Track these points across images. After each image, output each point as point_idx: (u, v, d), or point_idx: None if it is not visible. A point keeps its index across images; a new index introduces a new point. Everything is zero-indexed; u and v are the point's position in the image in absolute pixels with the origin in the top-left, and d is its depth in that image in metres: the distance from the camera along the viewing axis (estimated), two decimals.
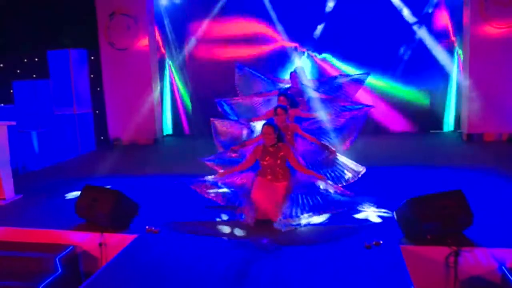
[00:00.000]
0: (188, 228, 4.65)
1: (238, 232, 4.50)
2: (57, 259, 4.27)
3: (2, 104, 10.24)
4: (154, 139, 10.08)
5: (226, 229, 4.61)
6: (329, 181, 4.81)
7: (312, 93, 6.42)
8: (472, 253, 3.83)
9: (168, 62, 10.68)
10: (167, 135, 10.81)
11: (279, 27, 9.77)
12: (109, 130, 10.19)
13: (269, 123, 4.72)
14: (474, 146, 8.40)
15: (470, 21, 8.65)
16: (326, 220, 4.67)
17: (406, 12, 9.35)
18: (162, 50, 10.56)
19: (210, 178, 4.90)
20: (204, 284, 3.53)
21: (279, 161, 4.72)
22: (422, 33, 9.34)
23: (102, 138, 10.35)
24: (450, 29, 9.45)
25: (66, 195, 6.07)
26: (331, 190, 4.59)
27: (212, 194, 4.81)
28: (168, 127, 10.89)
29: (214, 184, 4.80)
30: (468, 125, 8.90)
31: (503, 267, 3.72)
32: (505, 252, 3.79)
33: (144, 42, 9.85)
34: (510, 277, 3.58)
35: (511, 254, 3.77)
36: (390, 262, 3.73)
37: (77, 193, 5.79)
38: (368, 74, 6.57)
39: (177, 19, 10.38)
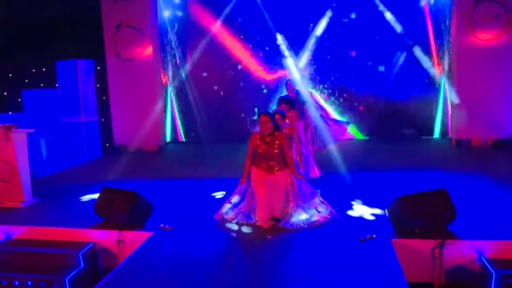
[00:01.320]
0: (198, 225, 5.10)
1: (245, 229, 4.94)
2: (80, 255, 4.68)
3: (10, 113, 10.65)
4: (158, 146, 10.51)
5: (233, 227, 5.02)
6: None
7: (307, 97, 7.02)
8: (455, 245, 4.29)
9: (169, 71, 11.17)
10: (170, 142, 11.24)
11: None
12: (114, 137, 10.61)
13: (265, 112, 5.00)
14: (462, 151, 8.92)
15: (457, 33, 9.19)
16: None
17: (395, 24, 9.91)
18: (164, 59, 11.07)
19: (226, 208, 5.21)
20: (214, 277, 3.90)
21: (275, 150, 4.92)
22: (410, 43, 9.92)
23: (107, 145, 10.76)
24: (432, 39, 9.99)
25: (81, 198, 6.48)
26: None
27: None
28: (170, 134, 11.34)
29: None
30: (457, 132, 9.42)
31: (483, 257, 4.17)
32: (484, 244, 4.25)
33: (148, 52, 10.32)
34: (489, 266, 4.03)
35: (490, 246, 4.23)
36: (382, 254, 4.17)
37: (90, 196, 6.34)
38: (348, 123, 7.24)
39: (179, 30, 10.89)
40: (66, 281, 4.45)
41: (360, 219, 5.12)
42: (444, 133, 10.19)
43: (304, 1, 10.17)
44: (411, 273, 4.16)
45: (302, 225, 4.82)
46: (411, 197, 4.56)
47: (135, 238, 4.87)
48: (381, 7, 9.84)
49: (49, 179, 8.31)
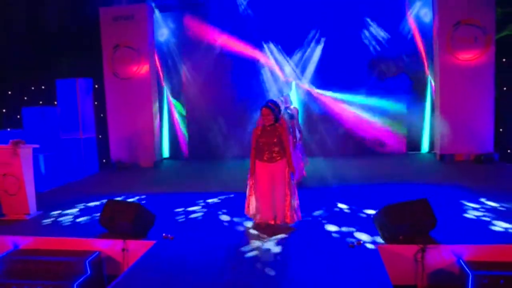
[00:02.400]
0: (198, 234, 5.43)
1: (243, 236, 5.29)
2: (87, 262, 4.97)
3: (9, 129, 10.92)
4: (154, 162, 10.83)
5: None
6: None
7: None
8: (436, 250, 4.67)
9: (166, 89, 11.57)
10: (165, 158, 11.57)
11: (270, 56, 10.82)
12: (111, 153, 10.90)
13: (266, 105, 5.44)
14: (445, 165, 9.37)
15: (439, 53, 9.73)
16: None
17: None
18: (161, 78, 11.46)
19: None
20: (214, 283, 4.20)
21: (275, 139, 5.36)
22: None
23: (104, 161, 11.06)
24: (424, 58, 10.56)
25: (82, 209, 6.78)
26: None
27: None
28: (166, 150, 11.68)
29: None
30: (441, 147, 9.88)
31: (461, 260, 4.55)
32: (462, 248, 4.64)
33: (145, 72, 10.72)
34: (466, 268, 4.40)
35: (467, 249, 4.62)
36: (369, 259, 4.53)
37: (92, 206, 6.62)
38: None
39: (174, 49, 11.34)
40: (75, 287, 4.73)
41: (349, 226, 5.49)
42: (430, 148, 10.66)
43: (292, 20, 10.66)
44: (396, 276, 4.50)
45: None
46: (395, 206, 4.95)
47: (139, 247, 5.17)
48: (373, 29, 10.41)
49: (48, 193, 8.55)
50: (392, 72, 10.55)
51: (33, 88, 11.29)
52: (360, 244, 4.84)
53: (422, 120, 10.71)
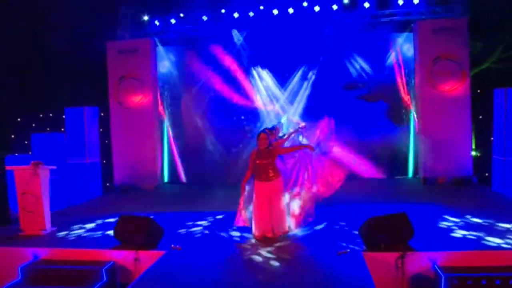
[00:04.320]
0: (202, 246, 6.03)
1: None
2: (103, 270, 5.54)
3: (16, 154, 11.51)
4: (156, 185, 11.43)
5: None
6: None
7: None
8: (414, 256, 5.33)
9: (166, 118, 12.31)
10: (165, 183, 12.17)
11: (259, 93, 11.65)
12: (115, 177, 11.50)
13: (263, 131, 6.26)
14: (428, 187, 10.10)
15: (420, 85, 10.61)
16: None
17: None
18: (161, 107, 12.19)
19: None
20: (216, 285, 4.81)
21: (270, 159, 6.06)
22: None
23: (108, 184, 11.64)
24: (404, 89, 11.45)
25: (92, 226, 7.37)
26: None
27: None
28: (166, 175, 12.30)
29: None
30: (424, 171, 10.63)
31: (435, 265, 5.20)
32: (437, 255, 5.30)
33: (148, 101, 11.46)
34: (440, 271, 5.05)
35: (440, 256, 5.28)
36: (355, 265, 5.16)
37: (100, 221, 7.22)
38: None
39: (174, 81, 12.17)
40: None
41: (337, 237, 6.14)
42: (414, 172, 11.40)
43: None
44: (378, 280, 5.11)
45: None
46: (378, 219, 5.63)
47: (150, 257, 5.75)
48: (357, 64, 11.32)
49: (58, 213, 9.06)
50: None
51: (41, 115, 11.95)
52: (347, 252, 5.48)
53: (407, 146, 11.49)
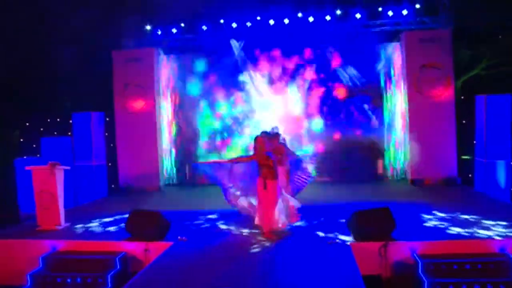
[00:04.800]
0: (205, 237, 6.66)
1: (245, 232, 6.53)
2: (117, 259, 6.14)
3: (25, 156, 12.12)
4: (158, 186, 12.04)
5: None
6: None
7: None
8: (395, 246, 5.96)
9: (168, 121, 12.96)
10: (168, 184, 12.78)
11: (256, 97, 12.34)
12: (119, 179, 12.11)
13: (261, 135, 6.77)
14: (415, 188, 10.76)
15: (408, 91, 11.30)
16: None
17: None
18: (163, 112, 12.83)
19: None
20: (220, 274, 5.33)
21: (266, 162, 6.48)
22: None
23: (113, 186, 12.24)
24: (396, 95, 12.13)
25: (102, 222, 7.98)
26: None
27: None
28: (170, 176, 12.92)
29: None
30: (412, 173, 11.29)
31: (414, 253, 5.84)
32: (416, 244, 5.94)
33: (151, 106, 12.11)
34: (418, 259, 5.68)
35: (419, 245, 5.92)
36: (343, 253, 5.78)
37: (108, 219, 7.85)
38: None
39: (176, 87, 12.85)
40: (108, 278, 5.90)
41: (328, 229, 6.81)
42: (404, 174, 12.05)
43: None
44: (364, 267, 5.72)
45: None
46: (363, 212, 6.27)
47: (158, 247, 6.35)
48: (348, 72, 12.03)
49: (68, 211, 9.64)
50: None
51: (49, 120, 12.56)
52: (336, 242, 6.12)
53: (396, 149, 12.17)
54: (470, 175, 10.98)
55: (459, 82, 14.08)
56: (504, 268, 5.48)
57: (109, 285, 5.85)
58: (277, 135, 7.78)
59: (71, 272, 6.04)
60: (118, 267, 6.12)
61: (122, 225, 7.06)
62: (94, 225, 7.87)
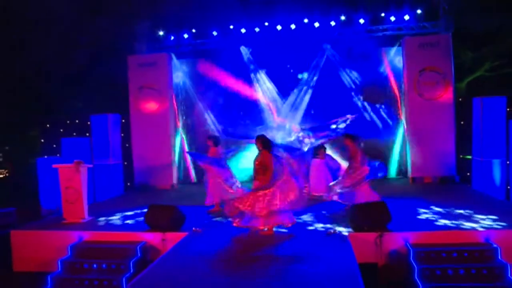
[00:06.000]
0: (217, 230, 7.30)
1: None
2: (138, 247, 6.81)
3: (46, 156, 12.85)
4: (171, 184, 12.72)
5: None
6: None
7: None
8: (390, 236, 6.55)
9: (180, 123, 13.64)
10: (182, 182, 13.45)
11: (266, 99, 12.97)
12: (135, 177, 12.82)
13: (255, 137, 7.12)
14: (415, 186, 11.32)
15: (408, 93, 11.86)
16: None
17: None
18: (175, 114, 13.51)
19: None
20: (228, 260, 5.97)
21: (257, 162, 6.99)
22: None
23: (128, 184, 12.95)
24: (398, 97, 12.71)
25: (122, 216, 8.66)
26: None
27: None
28: (182, 175, 13.60)
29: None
30: (412, 171, 11.84)
31: (407, 243, 6.42)
32: (408, 234, 6.53)
33: (164, 109, 12.79)
34: (410, 248, 6.27)
35: (411, 235, 6.50)
36: (342, 243, 6.37)
37: (127, 213, 8.53)
38: None
39: (187, 90, 13.52)
40: (131, 264, 6.56)
41: (327, 221, 7.42)
42: (403, 173, 12.59)
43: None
44: (361, 256, 6.32)
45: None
46: (362, 206, 6.87)
47: (174, 238, 7.00)
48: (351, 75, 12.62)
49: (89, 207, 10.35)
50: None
51: (68, 122, 13.29)
52: (336, 232, 6.73)
53: (397, 148, 12.72)
54: (468, 174, 11.48)
55: (463, 83, 14.67)
56: (487, 256, 6.06)
57: (131, 271, 6.51)
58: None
59: (96, 259, 6.72)
60: (139, 254, 6.79)
61: (140, 218, 7.75)
62: (115, 218, 8.55)
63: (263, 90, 13.05)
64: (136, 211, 9.05)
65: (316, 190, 9.35)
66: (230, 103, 13.14)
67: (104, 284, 6.39)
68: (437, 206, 8.30)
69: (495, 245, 6.17)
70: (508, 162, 10.23)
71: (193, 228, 7.20)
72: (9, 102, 14.61)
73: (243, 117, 13.12)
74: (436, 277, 5.85)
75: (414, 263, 6.01)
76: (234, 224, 6.92)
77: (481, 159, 10.63)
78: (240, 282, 5.13)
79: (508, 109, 10.53)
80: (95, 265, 6.65)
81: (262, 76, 13.05)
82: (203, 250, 6.37)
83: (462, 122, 11.71)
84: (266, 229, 6.92)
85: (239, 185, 8.19)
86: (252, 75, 13.04)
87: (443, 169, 11.58)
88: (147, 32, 13.29)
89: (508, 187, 10.26)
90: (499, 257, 6.03)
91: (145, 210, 7.64)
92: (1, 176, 18.41)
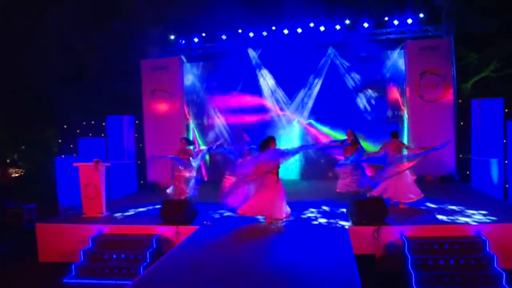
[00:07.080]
0: (227, 222, 7.85)
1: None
2: (154, 239, 7.39)
3: (63, 156, 13.50)
4: None
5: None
6: None
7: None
8: (387, 229, 7.04)
9: (192, 125, 14.22)
10: None
11: (273, 100, 13.50)
12: (148, 176, 13.42)
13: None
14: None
15: (410, 95, 12.31)
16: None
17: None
18: (188, 116, 14.10)
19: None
20: (236, 252, 6.51)
21: None
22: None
23: (142, 182, 13.56)
24: (400, 100, 13.15)
25: (136, 212, 9.26)
26: None
27: None
28: None
29: None
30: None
31: (403, 236, 6.91)
32: (404, 228, 7.02)
33: (176, 110, 13.38)
34: (405, 240, 6.76)
35: (407, 229, 7.00)
36: (341, 236, 6.86)
37: (141, 209, 9.12)
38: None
39: (197, 92, 14.10)
40: (147, 254, 7.14)
41: (329, 216, 7.94)
42: None
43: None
44: (360, 248, 6.84)
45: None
46: (361, 201, 7.38)
47: (187, 230, 7.56)
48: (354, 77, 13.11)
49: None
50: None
51: (84, 123, 13.94)
52: (336, 226, 7.24)
53: None
54: (467, 172, 11.90)
55: (468, 84, 15.04)
56: (476, 248, 6.54)
57: (148, 260, 7.09)
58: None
59: (116, 249, 7.30)
60: (155, 246, 7.36)
61: (154, 214, 8.32)
62: (131, 213, 9.14)
63: (270, 91, 13.56)
64: (149, 207, 9.63)
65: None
66: (238, 102, 13.69)
67: (123, 272, 6.98)
68: (433, 203, 8.77)
69: (483, 238, 6.64)
70: (506, 162, 10.64)
71: (204, 222, 7.75)
72: (24, 103, 15.33)
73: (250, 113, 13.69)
74: (428, 267, 6.35)
75: (408, 254, 6.50)
76: (239, 211, 7.50)
77: (479, 158, 11.06)
78: (244, 269, 5.63)
79: (506, 110, 10.95)
80: (114, 255, 7.24)
81: (267, 77, 13.57)
82: (213, 241, 6.91)
83: (462, 123, 12.13)
84: (270, 221, 7.50)
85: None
86: (259, 77, 13.56)
87: (443, 168, 12.01)
88: (159, 37, 13.90)
89: (507, 186, 10.67)
90: (487, 249, 6.51)
91: (158, 206, 8.21)
92: (17, 175, 19.13)
